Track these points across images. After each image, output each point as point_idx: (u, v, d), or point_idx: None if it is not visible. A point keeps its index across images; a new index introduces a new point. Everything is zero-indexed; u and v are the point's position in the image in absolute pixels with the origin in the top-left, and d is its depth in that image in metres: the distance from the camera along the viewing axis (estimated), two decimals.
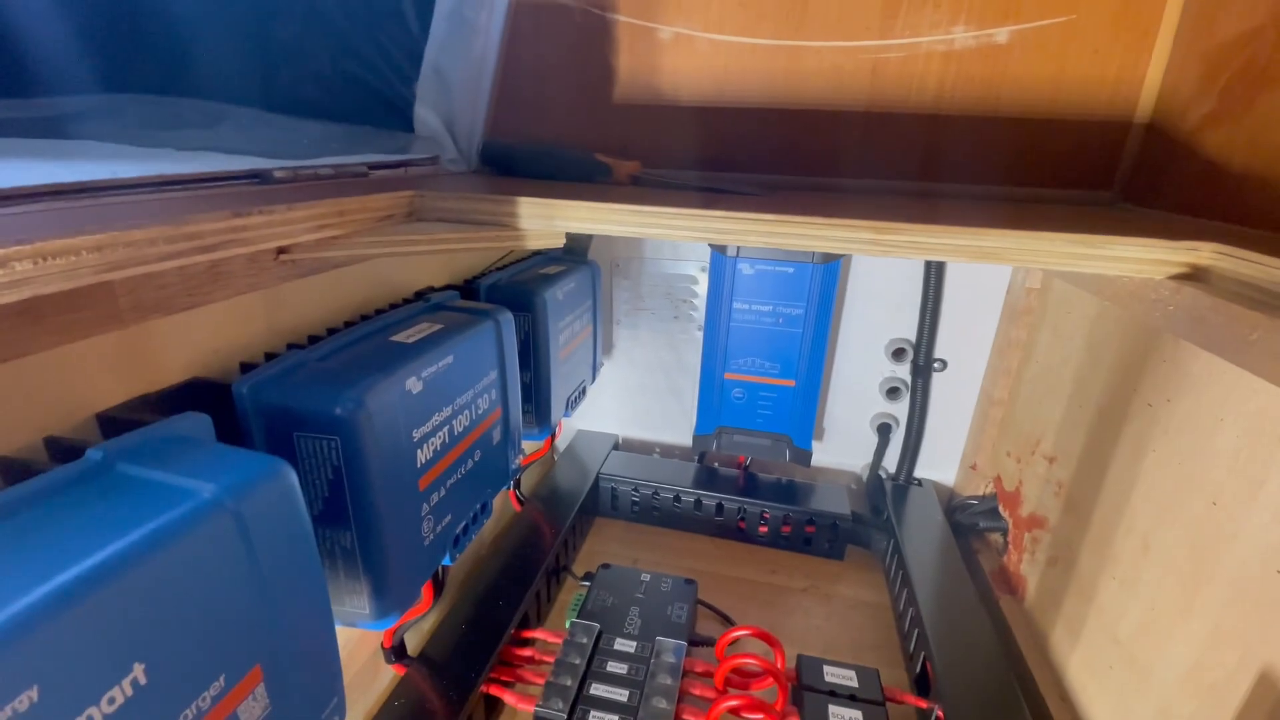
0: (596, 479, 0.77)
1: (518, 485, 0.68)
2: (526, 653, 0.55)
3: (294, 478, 0.26)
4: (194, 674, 0.22)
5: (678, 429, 0.85)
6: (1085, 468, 0.54)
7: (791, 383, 0.72)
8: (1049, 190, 0.58)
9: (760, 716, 0.48)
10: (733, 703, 0.48)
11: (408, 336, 0.40)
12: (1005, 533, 0.68)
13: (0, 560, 0.18)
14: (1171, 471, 0.43)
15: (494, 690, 0.51)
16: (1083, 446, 0.54)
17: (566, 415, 0.68)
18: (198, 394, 0.33)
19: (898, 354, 0.75)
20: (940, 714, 0.50)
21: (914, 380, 0.75)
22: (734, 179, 0.63)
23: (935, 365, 0.74)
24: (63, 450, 0.26)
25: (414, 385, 0.37)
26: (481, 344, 0.45)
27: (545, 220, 0.42)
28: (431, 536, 0.41)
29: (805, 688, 0.52)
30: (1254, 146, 0.43)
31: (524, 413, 0.60)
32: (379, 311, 0.47)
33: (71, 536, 0.20)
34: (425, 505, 0.40)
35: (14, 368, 0.26)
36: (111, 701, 0.19)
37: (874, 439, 0.79)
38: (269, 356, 0.37)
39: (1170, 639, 0.41)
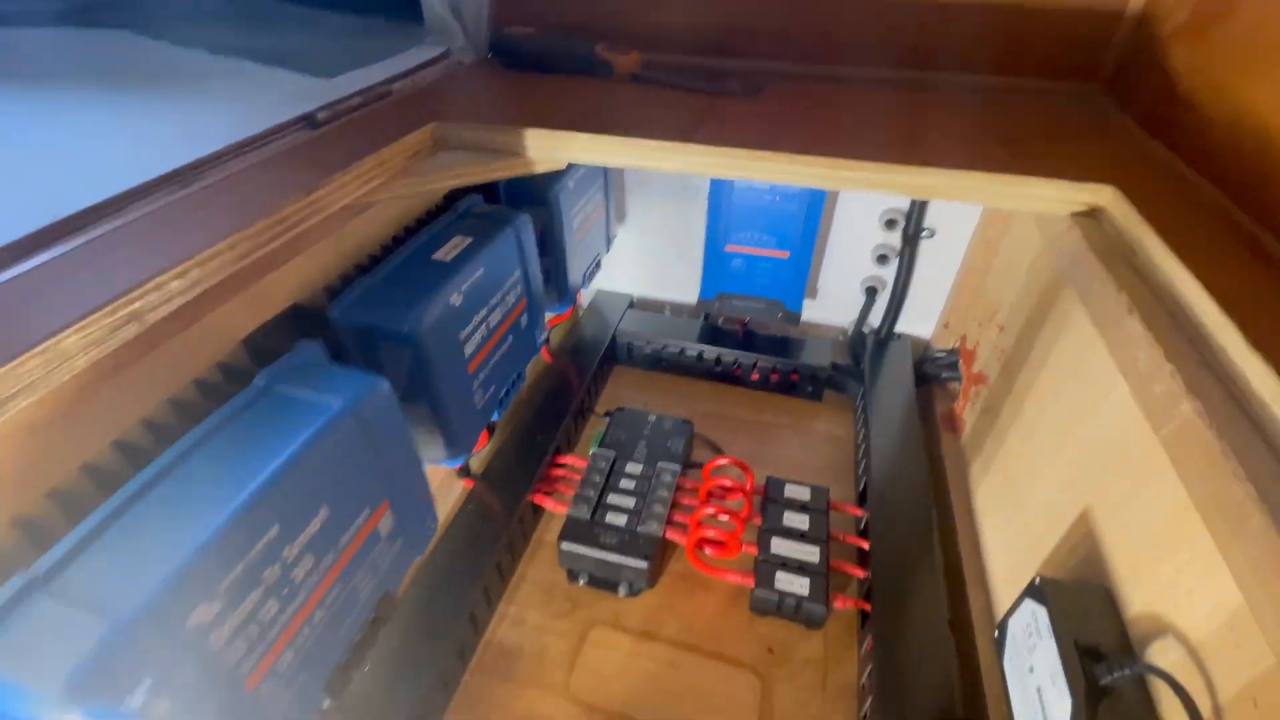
0: (614, 335, 0.90)
1: (548, 341, 0.81)
2: (560, 472, 0.72)
3: (388, 386, 0.39)
4: (352, 508, 0.37)
5: (685, 289, 0.95)
6: (1020, 342, 0.63)
7: (786, 254, 0.80)
8: (1036, 81, 0.59)
9: (727, 518, 0.65)
10: (709, 510, 0.65)
11: (445, 254, 0.50)
12: (960, 383, 0.79)
13: (235, 458, 0.32)
14: (1069, 359, 0.52)
15: (537, 499, 0.69)
16: (1022, 324, 0.63)
17: (584, 287, 0.79)
18: (298, 316, 0.45)
19: (889, 224, 0.80)
20: (868, 519, 0.66)
21: (903, 247, 0.81)
22: (732, 68, 0.65)
23: (923, 234, 0.80)
24: (229, 372, 0.39)
25: (456, 299, 0.48)
26: (505, 252, 0.55)
27: (549, 150, 0.49)
28: (482, 402, 0.55)
29: (769, 500, 0.68)
30: (1202, 73, 0.45)
31: (546, 291, 0.71)
32: (420, 221, 0.57)
33: (268, 440, 0.33)
34: (474, 382, 0.53)
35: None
36: (311, 529, 0.34)
37: (862, 299, 0.88)
38: (343, 279, 0.48)
39: (1039, 479, 0.54)
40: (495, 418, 0.58)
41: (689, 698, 0.56)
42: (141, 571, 0.27)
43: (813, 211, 0.75)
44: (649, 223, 0.90)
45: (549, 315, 0.75)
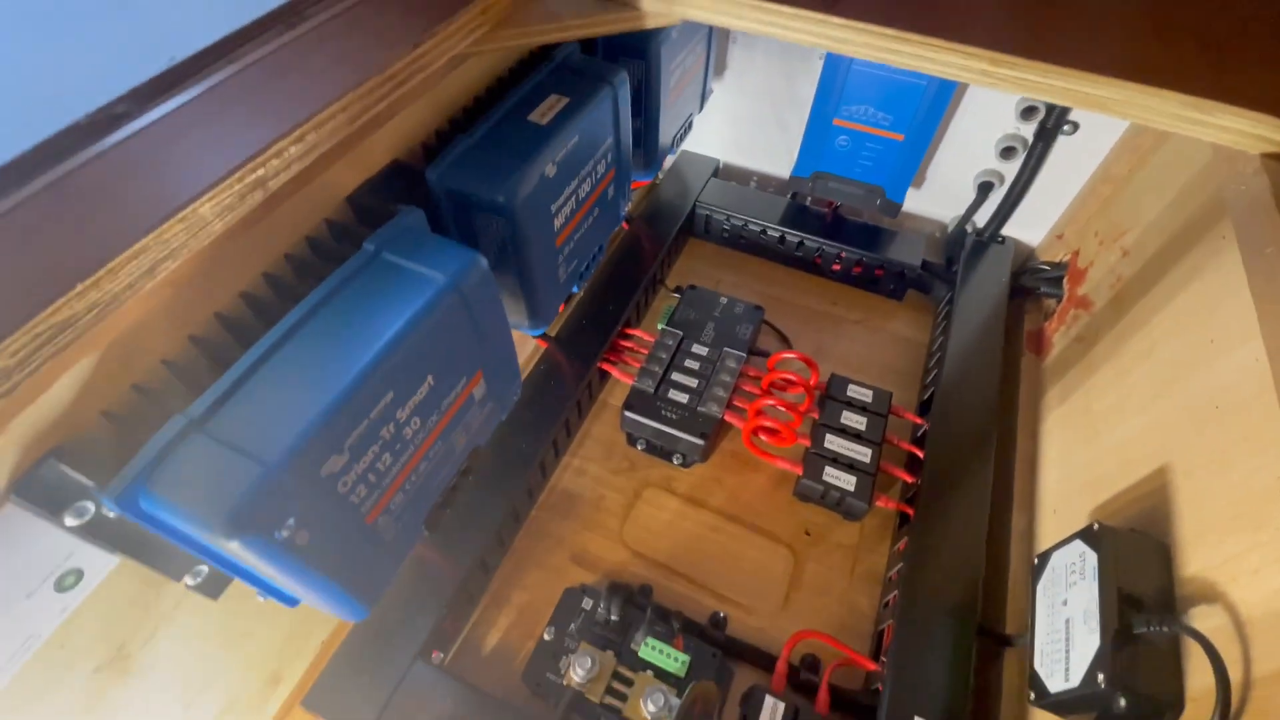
0: (694, 206, 0.86)
1: (630, 195, 0.79)
2: (628, 344, 0.74)
3: (485, 263, 0.39)
4: (453, 376, 0.39)
5: (778, 161, 0.88)
6: (1145, 272, 0.57)
7: (900, 137, 0.72)
8: None
9: (785, 409, 0.67)
10: (769, 401, 0.67)
11: (541, 116, 0.48)
12: (1059, 301, 0.74)
13: (353, 325, 0.34)
14: (1197, 305, 0.48)
15: (605, 366, 0.72)
16: (1153, 253, 0.57)
17: (673, 152, 0.74)
18: (399, 173, 0.44)
19: (1028, 112, 0.71)
20: (927, 430, 0.67)
21: (1035, 141, 0.72)
22: None
23: (1065, 129, 0.70)
24: (336, 229, 0.40)
25: (550, 170, 0.46)
26: (601, 116, 0.51)
27: (667, 3, 0.43)
28: (565, 275, 0.55)
29: (829, 397, 0.69)
30: None
31: (634, 155, 0.67)
32: (513, 72, 0.53)
33: (381, 310, 0.35)
34: (560, 256, 0.53)
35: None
36: (419, 394, 0.36)
37: (972, 194, 0.80)
38: (439, 135, 0.47)
39: (1122, 421, 0.52)
40: (575, 290, 0.58)
41: (725, 560, 0.62)
42: (284, 423, 0.30)
43: (944, 92, 0.66)
44: (749, 81, 0.81)
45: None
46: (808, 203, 0.86)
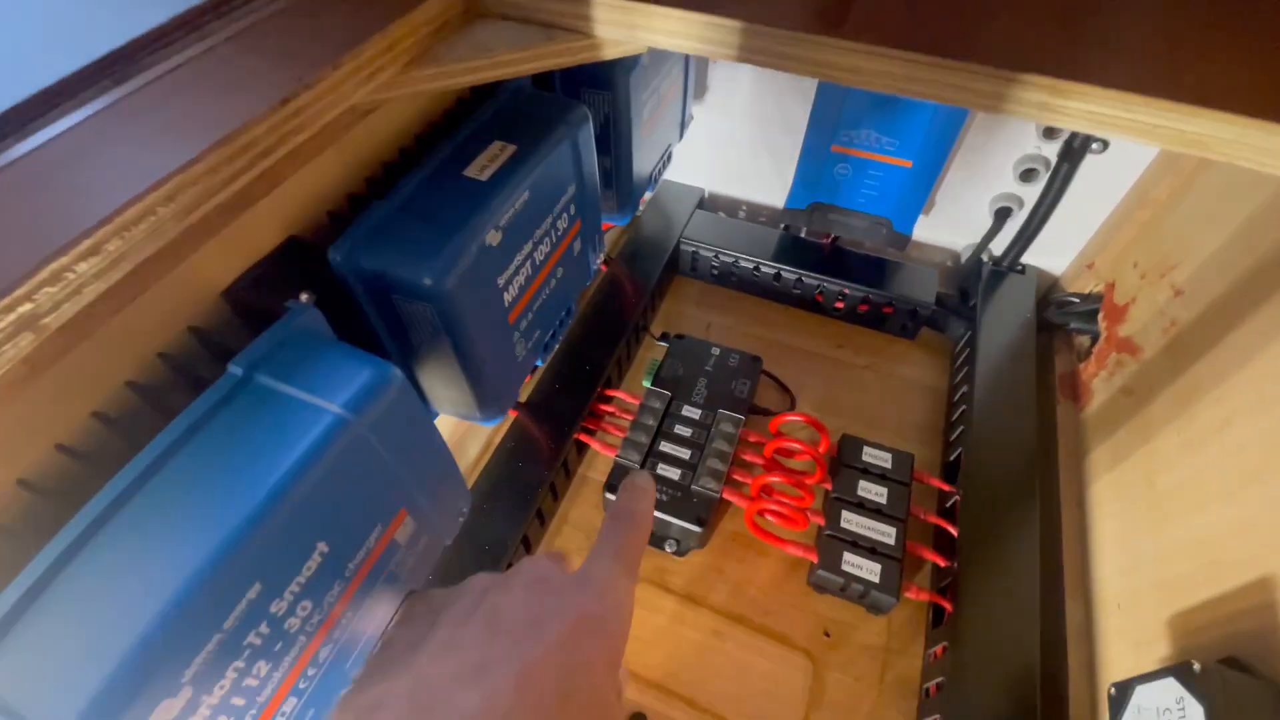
0: (679, 242, 0.77)
1: (602, 244, 0.70)
2: (609, 408, 0.65)
3: (402, 379, 0.30)
4: (358, 532, 0.30)
5: (770, 189, 0.79)
6: (1210, 318, 0.49)
7: (908, 163, 0.63)
8: None
9: (788, 482, 0.57)
10: (774, 478, 0.57)
11: (480, 170, 0.38)
12: (1094, 340, 0.66)
13: (196, 496, 0.24)
14: None
15: (583, 437, 0.62)
16: (1218, 296, 0.48)
17: (650, 190, 0.65)
18: (296, 254, 0.35)
19: (1052, 131, 0.62)
20: (959, 499, 0.58)
21: (1060, 162, 0.63)
22: None
23: (1094, 147, 0.62)
24: (205, 339, 0.30)
25: (493, 238, 0.37)
26: (558, 165, 0.42)
27: (626, 27, 0.34)
28: (524, 353, 0.46)
29: (842, 463, 0.60)
30: None
31: (604, 197, 0.58)
32: (449, 113, 0.44)
33: (242, 467, 0.25)
34: (516, 333, 0.43)
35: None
36: (307, 570, 0.27)
37: (988, 221, 0.71)
38: (351, 200, 0.37)
39: (1201, 511, 0.43)
40: (539, 364, 0.49)
41: (732, 674, 0.52)
42: (85, 668, 0.20)
43: (956, 112, 0.58)
44: (735, 104, 0.72)
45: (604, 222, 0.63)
46: (803, 234, 0.77)
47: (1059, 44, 0.30)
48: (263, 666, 0.26)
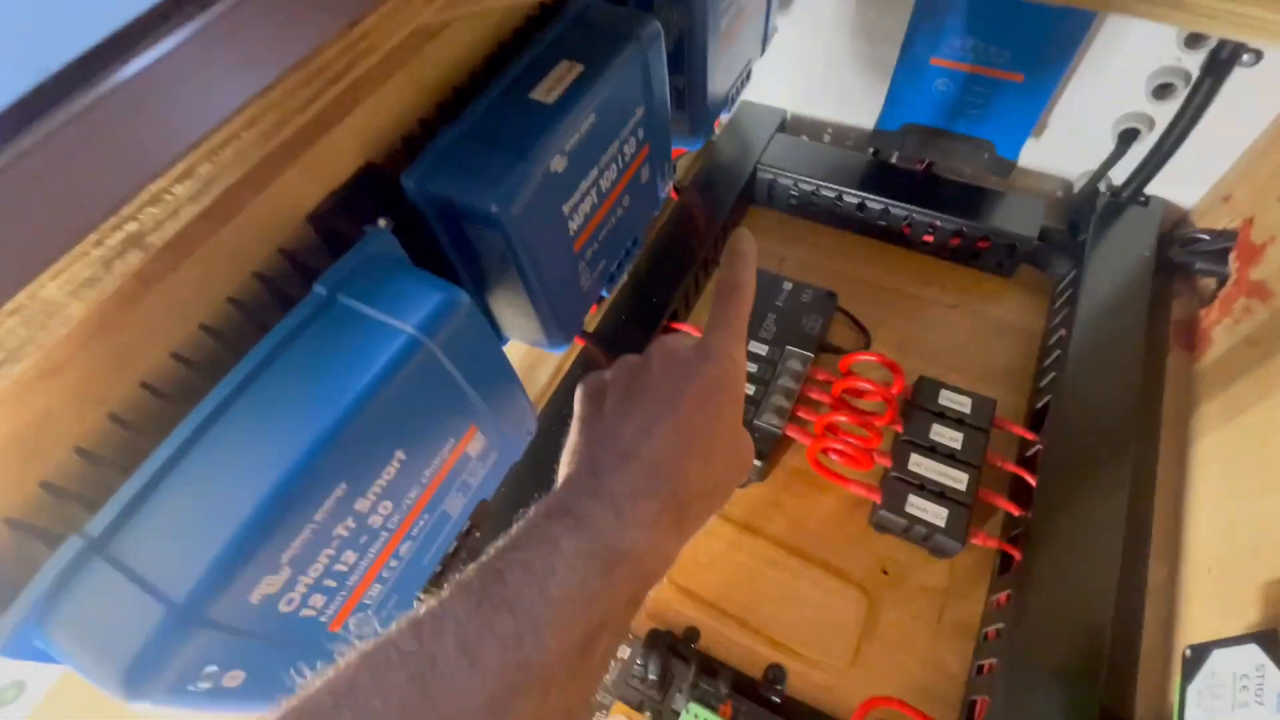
0: (755, 169, 0.73)
1: (672, 171, 0.68)
2: None
3: (470, 304, 0.31)
4: (433, 443, 0.32)
5: (859, 109, 0.73)
6: None
7: (1020, 77, 0.56)
8: None
9: (856, 422, 0.56)
10: (841, 417, 0.56)
11: (547, 92, 0.38)
12: (1221, 284, 0.58)
13: (290, 403, 0.27)
14: None
15: None
16: None
17: (727, 111, 0.62)
18: (372, 180, 0.36)
19: (1194, 39, 0.53)
20: (1041, 449, 0.55)
21: (1203, 76, 0.54)
22: None
23: (1245, 59, 0.52)
24: (293, 260, 0.33)
25: (558, 164, 0.37)
26: (626, 84, 0.41)
27: None
28: (589, 283, 0.46)
29: (916, 406, 0.58)
30: None
31: (675, 119, 0.56)
32: (518, 31, 0.43)
33: (327, 379, 0.27)
34: (581, 262, 0.44)
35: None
36: (387, 475, 0.29)
37: (1110, 145, 0.63)
38: (424, 125, 0.38)
39: None
40: (605, 295, 0.49)
41: (786, 601, 0.54)
42: (196, 547, 0.24)
43: (1082, 17, 0.50)
44: (823, 13, 0.66)
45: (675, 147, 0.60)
46: (894, 160, 0.71)
47: None
48: (350, 556, 0.29)
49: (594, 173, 0.41)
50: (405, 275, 0.31)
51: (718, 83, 0.56)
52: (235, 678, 0.25)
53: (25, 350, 0.20)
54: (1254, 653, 0.34)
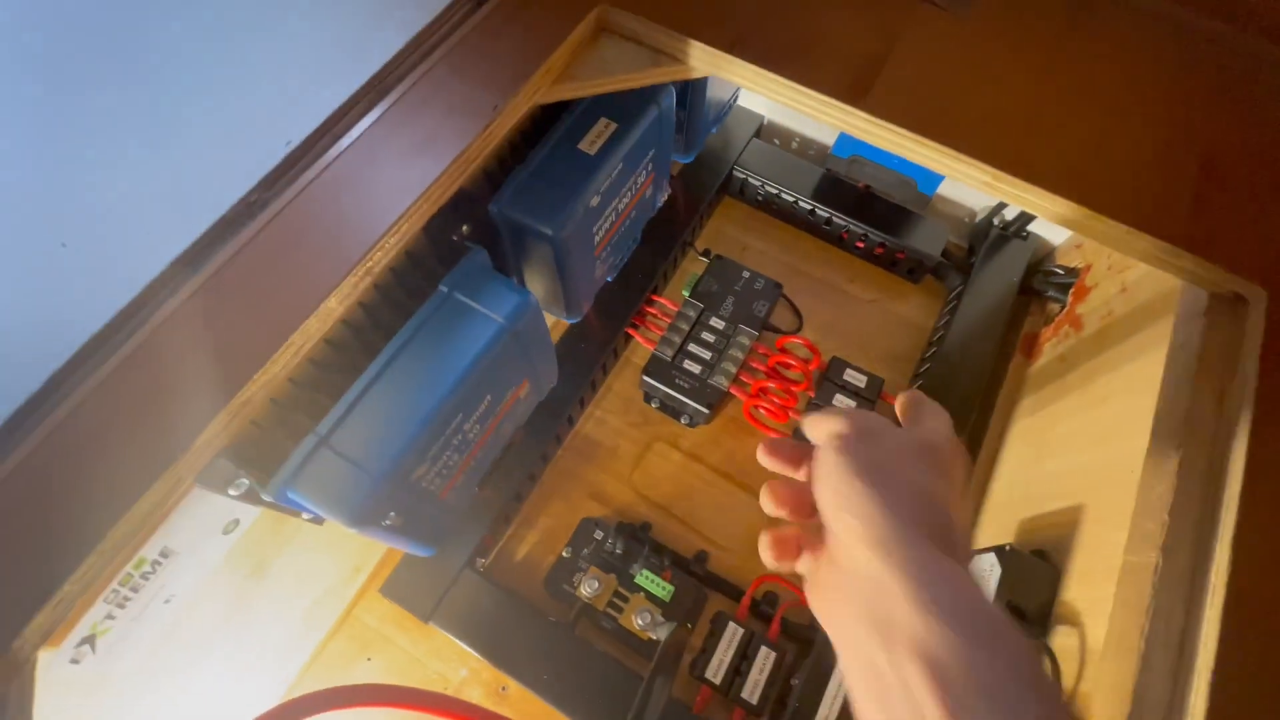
0: (732, 169, 0.88)
1: (668, 184, 0.82)
2: (653, 310, 0.82)
3: (536, 302, 0.47)
4: (505, 390, 0.49)
5: (821, 126, 0.88)
6: (1129, 318, 0.62)
7: None
8: None
9: (780, 388, 0.76)
10: (771, 384, 0.76)
11: (590, 144, 0.53)
12: (1062, 309, 0.79)
13: (431, 361, 0.43)
14: (1142, 377, 0.54)
15: (630, 331, 0.80)
16: (1140, 303, 0.61)
17: (714, 130, 0.76)
18: (465, 200, 0.50)
19: None
20: None
21: None
22: None
23: None
24: (413, 258, 0.48)
25: (594, 200, 0.52)
26: (646, 137, 0.56)
27: (710, 65, 0.46)
28: (601, 274, 0.62)
29: (827, 378, 0.78)
30: None
31: (674, 140, 0.70)
32: None
33: (454, 347, 0.44)
34: (599, 261, 0.60)
35: None
36: (480, 408, 0.46)
37: None
38: (499, 161, 0.52)
39: (1067, 454, 0.61)
40: (609, 280, 0.66)
41: (714, 508, 0.75)
42: (386, 445, 0.41)
43: None
44: None
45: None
46: (842, 175, 0.88)
47: (1003, 147, 0.42)
48: (455, 457, 0.46)
49: (616, 201, 0.56)
50: (496, 282, 0.47)
51: (710, 113, 0.70)
52: (399, 521, 0.43)
53: (315, 335, 0.36)
54: (991, 558, 0.56)
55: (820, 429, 0.31)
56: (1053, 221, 0.42)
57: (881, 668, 0.23)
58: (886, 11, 0.46)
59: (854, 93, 0.43)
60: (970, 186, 0.43)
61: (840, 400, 0.76)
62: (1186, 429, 0.37)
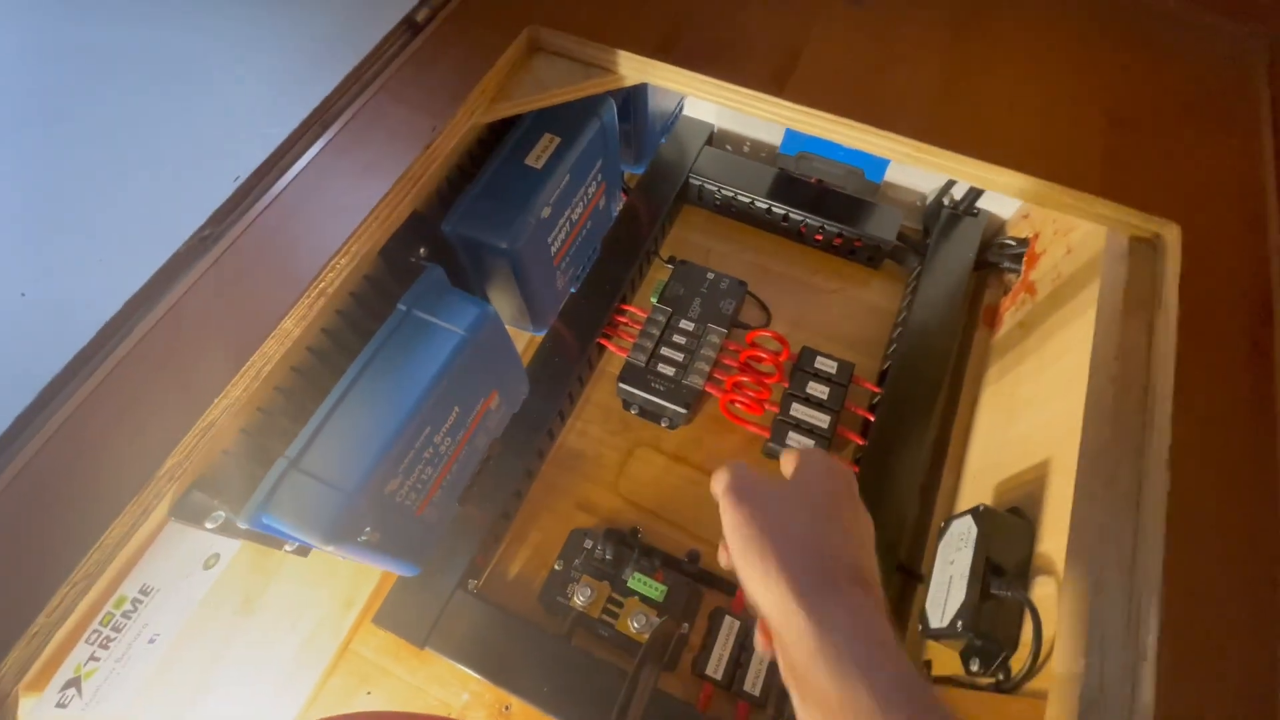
0: (687, 177, 0.91)
1: (622, 195, 0.84)
2: (622, 319, 0.83)
3: (495, 314, 0.49)
4: (473, 401, 0.50)
5: (770, 128, 0.91)
6: (1077, 276, 0.64)
7: None
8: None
9: (754, 381, 0.77)
10: (744, 378, 0.77)
11: (536, 159, 0.55)
12: (1017, 278, 0.81)
13: (395, 379, 0.44)
14: (1087, 329, 0.56)
15: (602, 341, 0.81)
16: (1084, 261, 0.64)
17: (663, 140, 0.79)
18: (419, 223, 0.52)
19: None
20: (881, 397, 0.77)
21: None
22: None
23: None
24: (372, 282, 0.49)
25: (546, 211, 0.54)
26: (591, 148, 0.58)
27: (640, 72, 0.49)
28: (563, 284, 0.64)
29: (799, 368, 0.79)
30: None
31: (623, 153, 0.73)
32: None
33: (416, 362, 0.45)
34: (558, 272, 0.61)
35: None
36: (449, 421, 0.47)
37: None
38: (449, 182, 0.54)
39: (1033, 413, 0.62)
40: (573, 290, 0.67)
41: (702, 506, 0.75)
42: (356, 461, 0.41)
43: None
44: None
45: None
46: (794, 172, 0.91)
47: (925, 118, 0.44)
48: (429, 470, 0.47)
49: (568, 211, 0.58)
50: (453, 295, 0.48)
51: (657, 122, 0.73)
52: (375, 536, 0.43)
53: (275, 358, 0.37)
54: (968, 520, 0.57)
55: (715, 486, 0.38)
56: (971, 183, 0.44)
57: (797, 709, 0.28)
58: (796, 7, 0.49)
59: (776, 84, 0.45)
60: (899, 161, 0.45)
61: (814, 387, 0.78)
62: (1120, 364, 0.38)
